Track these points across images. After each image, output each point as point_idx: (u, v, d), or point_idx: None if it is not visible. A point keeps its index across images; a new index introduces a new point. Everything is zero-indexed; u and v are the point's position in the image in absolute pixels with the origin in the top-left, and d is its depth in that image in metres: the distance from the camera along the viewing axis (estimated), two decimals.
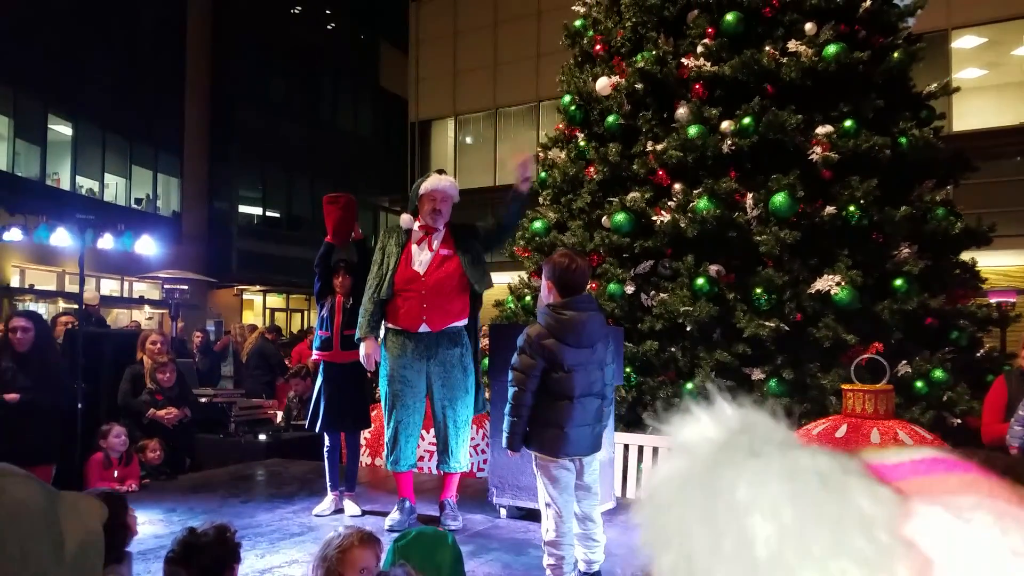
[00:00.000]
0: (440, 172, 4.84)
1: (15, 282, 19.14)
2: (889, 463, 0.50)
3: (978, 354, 6.26)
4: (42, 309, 17.67)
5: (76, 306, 7.06)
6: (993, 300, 10.04)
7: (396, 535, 2.92)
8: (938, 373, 5.72)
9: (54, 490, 0.89)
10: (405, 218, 4.77)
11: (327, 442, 5.01)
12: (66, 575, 0.84)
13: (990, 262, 7.50)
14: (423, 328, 4.53)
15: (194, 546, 2.44)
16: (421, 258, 4.60)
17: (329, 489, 4.96)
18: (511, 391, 3.53)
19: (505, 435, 3.57)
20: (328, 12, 31.16)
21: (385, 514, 4.74)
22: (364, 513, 4.84)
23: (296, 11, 29.98)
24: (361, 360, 4.64)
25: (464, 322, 4.65)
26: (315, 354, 5.06)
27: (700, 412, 0.53)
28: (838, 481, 0.46)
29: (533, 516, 4.61)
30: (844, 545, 0.43)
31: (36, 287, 19.42)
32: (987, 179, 9.19)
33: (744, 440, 0.49)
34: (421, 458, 5.82)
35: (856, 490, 0.45)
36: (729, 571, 0.45)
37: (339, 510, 4.88)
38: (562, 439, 3.49)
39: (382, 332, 4.73)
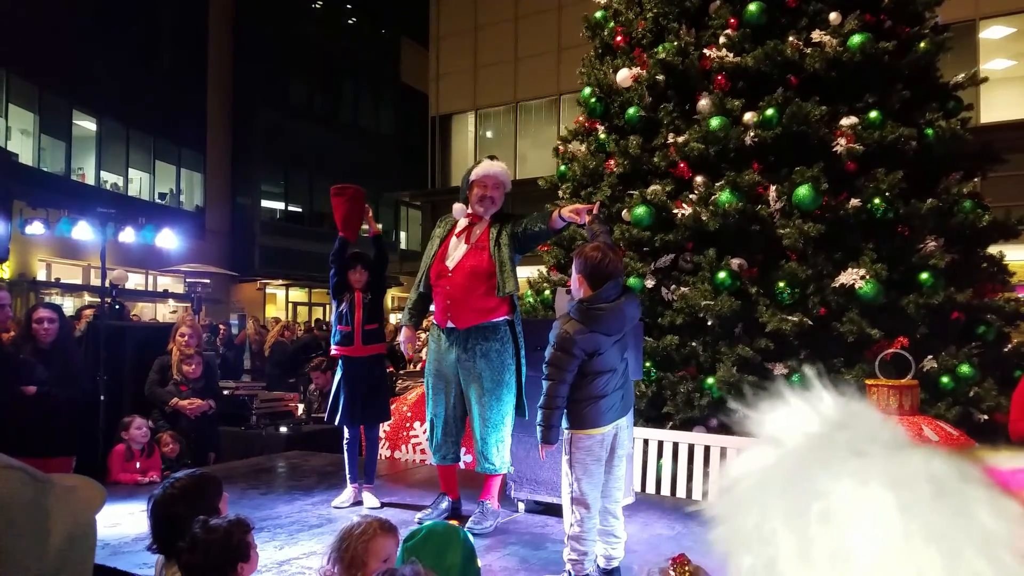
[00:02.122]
0: (491, 158, 4.72)
1: (41, 276, 19.38)
2: (1007, 469, 0.45)
3: (1005, 349, 6.16)
4: (68, 302, 17.88)
5: (99, 300, 7.11)
6: (1021, 294, 9.87)
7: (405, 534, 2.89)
8: (964, 368, 5.63)
9: (45, 478, 0.86)
10: (457, 207, 4.68)
11: (346, 435, 5.02)
12: (51, 568, 0.81)
13: (1018, 256, 7.36)
14: (450, 324, 4.49)
15: (199, 541, 2.43)
16: (455, 252, 4.50)
17: (348, 481, 4.96)
18: (546, 384, 3.49)
19: (540, 428, 3.52)
20: (349, 7, 31.25)
21: (404, 507, 4.74)
22: (383, 505, 4.83)
23: (317, 6, 30.09)
24: (400, 345, 4.77)
25: (503, 318, 4.46)
26: (334, 349, 5.02)
27: (795, 400, 0.47)
28: (955, 490, 0.40)
29: (552, 511, 4.59)
30: (960, 564, 0.38)
31: (62, 281, 19.66)
32: (1016, 171, 9.02)
33: (845, 436, 0.44)
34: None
35: (976, 502, 0.40)
36: None
37: (358, 502, 4.88)
38: (600, 410, 3.49)
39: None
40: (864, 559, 0.39)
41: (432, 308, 4.68)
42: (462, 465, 5.90)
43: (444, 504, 4.62)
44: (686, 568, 2.55)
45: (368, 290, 4.96)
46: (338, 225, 4.99)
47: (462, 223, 4.59)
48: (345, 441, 5.03)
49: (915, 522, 0.39)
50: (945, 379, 5.60)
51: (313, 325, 13.89)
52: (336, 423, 4.98)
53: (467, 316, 4.43)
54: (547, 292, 6.91)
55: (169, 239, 11.50)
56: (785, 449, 0.45)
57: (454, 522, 4.00)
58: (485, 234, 4.49)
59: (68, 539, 0.83)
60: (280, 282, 27.86)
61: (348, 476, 4.97)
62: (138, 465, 5.52)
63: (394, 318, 24.89)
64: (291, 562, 3.78)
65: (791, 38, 6.08)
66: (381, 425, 6.71)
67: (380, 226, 5.27)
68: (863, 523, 0.40)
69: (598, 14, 7.37)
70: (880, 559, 0.39)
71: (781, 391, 0.48)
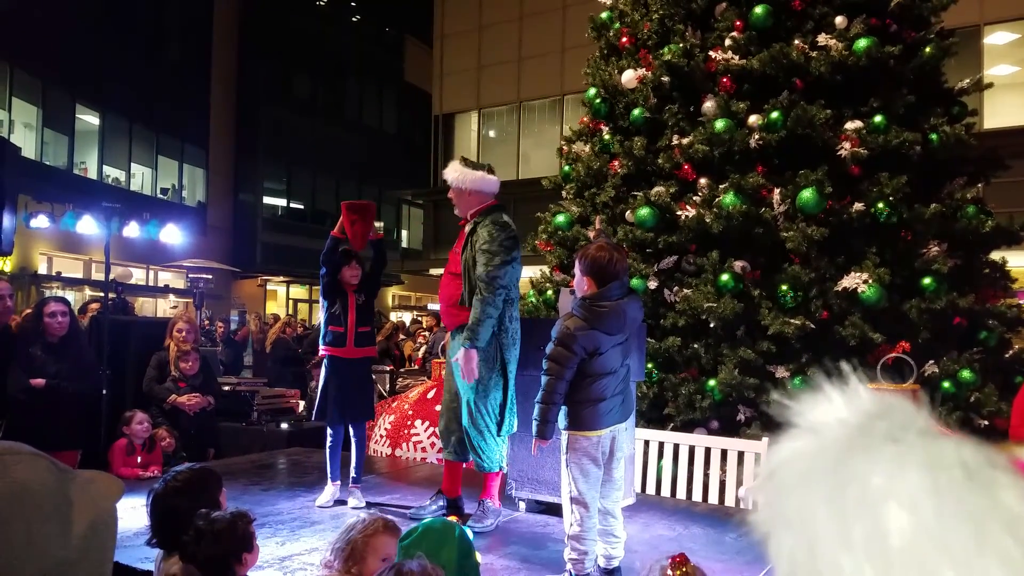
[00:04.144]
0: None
1: (43, 269, 19.40)
2: None
3: (1007, 355, 6.16)
4: (69, 296, 17.88)
5: (102, 293, 7.12)
6: (1023, 300, 9.87)
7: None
8: (965, 374, 5.64)
9: (66, 469, 0.88)
10: None
11: (330, 434, 4.96)
12: (74, 555, 0.83)
13: (1021, 262, 7.36)
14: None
15: (204, 532, 2.44)
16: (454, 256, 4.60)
17: (330, 480, 4.90)
18: (544, 379, 3.50)
19: (536, 423, 3.53)
20: (353, 4, 31.26)
21: (404, 505, 4.74)
22: (369, 505, 4.78)
23: (321, 3, 30.11)
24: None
25: None
26: (324, 349, 4.94)
27: (832, 392, 0.50)
28: (985, 475, 0.42)
29: (552, 510, 4.60)
30: (988, 544, 0.40)
31: (63, 275, 19.67)
32: (1019, 178, 9.01)
33: (882, 425, 0.47)
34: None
35: (1004, 486, 0.42)
36: (856, 561, 0.43)
37: (341, 501, 4.82)
38: (598, 413, 3.50)
39: None
40: (899, 538, 0.41)
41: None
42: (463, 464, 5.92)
43: (440, 502, 4.63)
44: (684, 568, 2.56)
45: (362, 290, 4.93)
46: (351, 240, 4.91)
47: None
48: (328, 440, 4.96)
49: (947, 503, 0.41)
50: (946, 384, 5.61)
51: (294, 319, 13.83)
52: (325, 421, 4.94)
53: (449, 318, 4.55)
54: (549, 292, 6.92)
55: (173, 234, 11.52)
56: (825, 438, 0.47)
57: (453, 517, 4.00)
58: (463, 236, 4.50)
59: (90, 527, 0.85)
60: (281, 279, 27.90)
61: (330, 474, 4.90)
62: (139, 460, 5.53)
63: (394, 316, 24.90)
64: (293, 558, 3.79)
65: (797, 41, 6.09)
66: (381, 423, 6.73)
67: (381, 227, 5.26)
68: (899, 504, 0.42)
69: (604, 15, 7.37)
70: (914, 538, 0.41)
71: (820, 385, 0.51)
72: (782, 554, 0.47)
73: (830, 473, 0.45)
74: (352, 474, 4.92)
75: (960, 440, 0.45)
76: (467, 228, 4.47)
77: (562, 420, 3.55)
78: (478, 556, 3.15)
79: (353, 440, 5.01)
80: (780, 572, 0.48)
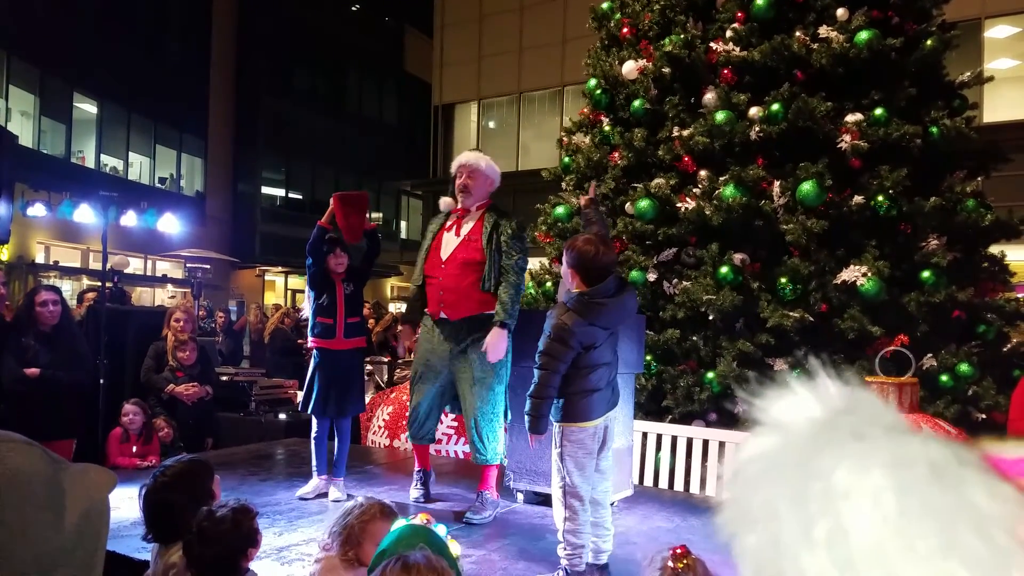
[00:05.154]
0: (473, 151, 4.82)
1: (40, 259, 19.35)
2: (1009, 458, 0.46)
3: (1005, 348, 6.17)
4: (66, 286, 17.85)
5: (100, 283, 7.10)
6: (1021, 294, 9.87)
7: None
8: (964, 367, 5.64)
9: (59, 459, 0.88)
10: (444, 201, 4.74)
11: (315, 427, 4.88)
12: (68, 543, 0.83)
13: (1020, 256, 7.36)
14: (443, 315, 4.51)
15: (208, 534, 2.42)
16: (448, 246, 4.55)
17: (315, 473, 4.83)
18: (538, 373, 3.45)
19: (529, 417, 3.49)
20: None
21: (403, 496, 4.74)
22: (350, 497, 4.73)
23: None
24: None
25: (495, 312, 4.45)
26: (313, 341, 4.86)
27: (799, 388, 0.49)
28: (952, 473, 0.41)
29: (551, 502, 4.59)
30: (954, 544, 0.39)
31: (60, 264, 19.63)
32: (1019, 171, 8.99)
33: (848, 421, 0.46)
34: (439, 440, 5.78)
35: (972, 484, 0.41)
36: (818, 560, 0.41)
37: (323, 494, 4.76)
38: (592, 403, 3.48)
39: None
40: (861, 536, 0.40)
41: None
42: (461, 455, 5.93)
43: (423, 475, 4.80)
44: (686, 560, 2.56)
45: (350, 280, 4.88)
46: (345, 232, 4.84)
47: (452, 218, 4.64)
48: (313, 433, 4.88)
49: (911, 501, 0.40)
50: (944, 377, 5.61)
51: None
52: (310, 412, 4.87)
53: (460, 307, 4.47)
54: (548, 284, 6.91)
55: (171, 224, 11.48)
56: (791, 434, 0.46)
57: (424, 516, 3.96)
58: (478, 228, 4.50)
59: (84, 516, 0.85)
60: (279, 269, 27.84)
61: (315, 467, 4.84)
62: (135, 449, 5.53)
63: (393, 307, 24.88)
64: (291, 548, 3.78)
65: (798, 33, 6.07)
66: (379, 414, 6.72)
67: (380, 217, 5.24)
68: (861, 501, 0.41)
69: (605, 5, 7.35)
70: (877, 536, 0.40)
71: (786, 380, 0.50)
72: (747, 553, 0.47)
73: (794, 470, 0.44)
74: (333, 468, 4.86)
75: (928, 437, 0.44)
76: (486, 220, 4.51)
77: (555, 413, 3.52)
78: (457, 549, 3.14)
79: (336, 434, 4.92)
80: (744, 571, 0.48)
